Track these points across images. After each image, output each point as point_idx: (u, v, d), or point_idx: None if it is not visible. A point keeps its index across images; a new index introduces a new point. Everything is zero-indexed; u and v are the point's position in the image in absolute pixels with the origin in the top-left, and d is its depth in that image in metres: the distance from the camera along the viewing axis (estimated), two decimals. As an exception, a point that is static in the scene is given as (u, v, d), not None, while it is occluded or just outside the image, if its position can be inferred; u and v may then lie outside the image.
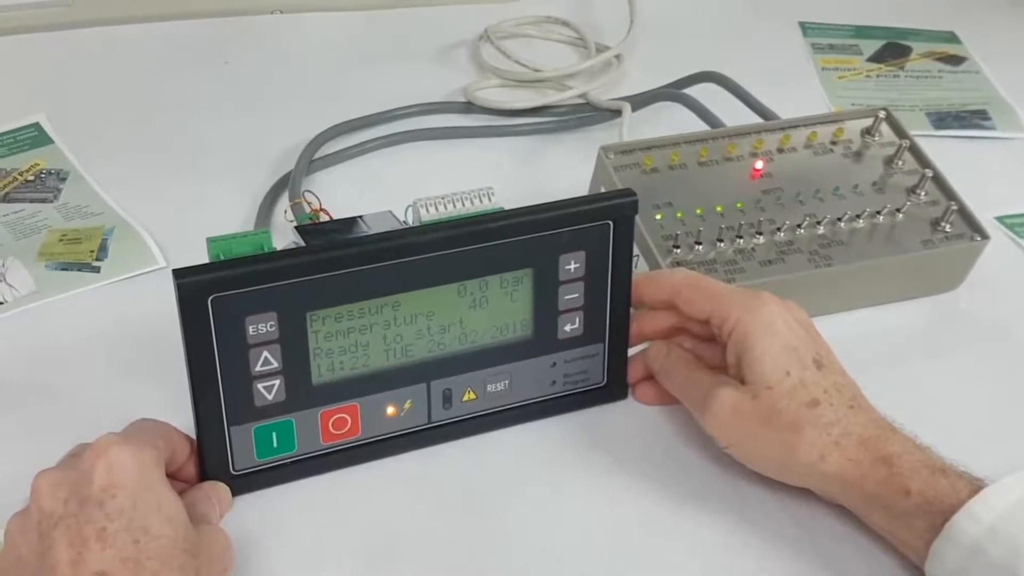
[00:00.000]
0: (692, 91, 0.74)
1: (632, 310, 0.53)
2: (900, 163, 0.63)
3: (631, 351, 0.54)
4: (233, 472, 0.48)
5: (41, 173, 0.69)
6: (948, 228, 0.60)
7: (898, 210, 0.60)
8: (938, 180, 0.62)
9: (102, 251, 0.62)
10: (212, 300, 0.44)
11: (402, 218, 0.51)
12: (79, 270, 0.61)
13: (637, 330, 0.53)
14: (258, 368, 0.46)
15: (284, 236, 0.53)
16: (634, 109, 0.74)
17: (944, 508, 0.43)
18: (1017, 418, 0.55)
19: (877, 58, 0.88)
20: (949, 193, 0.62)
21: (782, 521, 0.49)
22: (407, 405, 0.50)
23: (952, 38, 0.92)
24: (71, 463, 0.43)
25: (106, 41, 0.84)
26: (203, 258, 0.45)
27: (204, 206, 0.66)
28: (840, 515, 0.49)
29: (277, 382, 0.47)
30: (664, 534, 0.48)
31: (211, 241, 0.46)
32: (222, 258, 0.45)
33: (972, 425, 0.54)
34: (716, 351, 0.51)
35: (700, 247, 0.57)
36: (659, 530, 0.49)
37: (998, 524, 0.42)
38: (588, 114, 0.76)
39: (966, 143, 0.77)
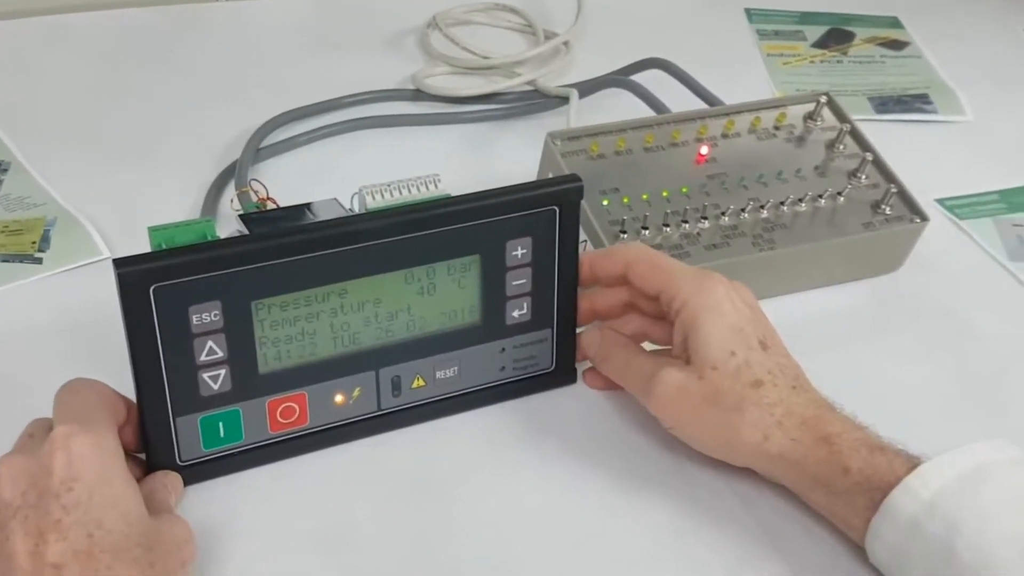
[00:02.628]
0: (639, 77, 0.75)
1: (582, 289, 0.53)
2: (841, 147, 0.64)
3: (580, 329, 0.54)
4: (180, 463, 0.47)
5: (-20, 164, 0.68)
6: (888, 211, 0.61)
7: (839, 193, 0.61)
8: (878, 163, 0.63)
9: (44, 242, 0.61)
10: (154, 289, 0.43)
11: (348, 206, 0.51)
12: (21, 261, 0.60)
13: (589, 307, 0.54)
14: (203, 358, 0.46)
15: (231, 226, 0.52)
16: (582, 96, 0.75)
17: (882, 485, 0.44)
18: (956, 397, 0.57)
19: (821, 44, 0.89)
20: (889, 176, 0.63)
21: (729, 501, 0.50)
22: (356, 393, 0.50)
23: (895, 23, 0.93)
24: (30, 448, 0.42)
25: (49, 30, 0.82)
26: (147, 249, 0.45)
27: (149, 196, 0.66)
28: (783, 494, 0.49)
29: (223, 372, 0.46)
30: (614, 517, 0.49)
31: (152, 230, 0.46)
32: (164, 247, 0.45)
33: (913, 404, 0.56)
34: (665, 329, 0.52)
35: (647, 232, 0.57)
36: (609, 513, 0.49)
37: (936, 500, 0.43)
38: (536, 101, 0.77)
39: (908, 127, 0.79)
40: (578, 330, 0.54)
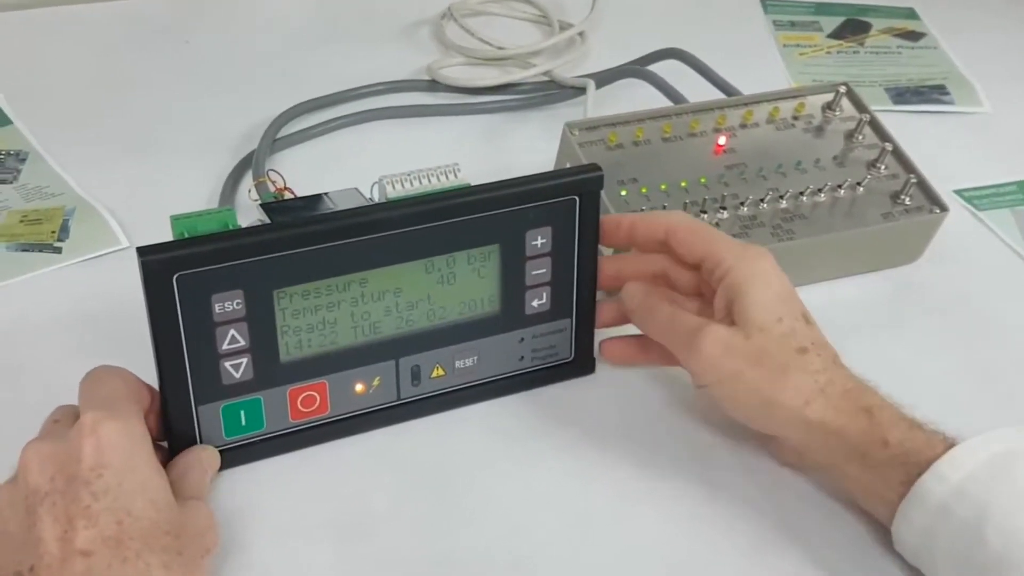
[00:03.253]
0: (656, 68, 0.75)
1: (608, 251, 0.52)
2: (860, 137, 0.64)
3: (601, 295, 0.53)
4: (210, 446, 0.47)
5: (0, 154, 0.68)
6: (908, 201, 0.61)
7: (859, 184, 0.61)
8: (897, 154, 0.63)
9: (63, 232, 0.61)
10: (177, 278, 0.44)
11: (368, 195, 0.51)
12: (40, 251, 0.60)
13: (615, 272, 0.52)
14: (225, 346, 0.46)
15: (248, 216, 0.52)
16: (598, 86, 0.74)
17: (920, 460, 0.44)
18: (975, 387, 0.57)
19: (837, 34, 0.89)
20: (908, 166, 0.63)
21: (747, 490, 0.50)
22: (376, 382, 0.50)
23: (911, 14, 0.93)
24: (58, 433, 0.43)
25: (66, 20, 0.82)
26: (166, 238, 0.45)
27: (166, 186, 0.66)
28: (800, 484, 0.50)
29: (244, 360, 0.46)
30: (634, 506, 0.49)
31: (175, 219, 0.46)
32: (186, 236, 0.45)
33: (931, 394, 0.55)
34: (695, 306, 0.51)
35: (665, 222, 0.57)
36: (628, 502, 0.49)
37: (965, 485, 0.42)
38: (552, 91, 0.76)
39: (925, 117, 0.79)
40: (601, 295, 0.53)
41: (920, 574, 0.45)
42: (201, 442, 0.47)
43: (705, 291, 0.51)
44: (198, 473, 0.45)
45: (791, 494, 0.49)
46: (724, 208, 0.59)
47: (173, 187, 0.66)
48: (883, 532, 0.46)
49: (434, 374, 0.51)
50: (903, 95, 0.80)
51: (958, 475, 0.43)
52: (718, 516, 0.49)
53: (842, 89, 0.65)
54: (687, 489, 0.50)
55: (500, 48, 0.80)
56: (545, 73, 0.77)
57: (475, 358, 0.52)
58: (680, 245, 0.51)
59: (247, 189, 0.64)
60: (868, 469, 0.46)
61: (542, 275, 0.51)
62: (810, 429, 0.47)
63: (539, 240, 0.50)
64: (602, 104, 0.72)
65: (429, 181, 0.50)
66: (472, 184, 0.50)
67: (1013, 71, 0.85)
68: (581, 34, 0.82)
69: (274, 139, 0.69)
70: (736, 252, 0.49)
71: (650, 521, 0.48)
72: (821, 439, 0.47)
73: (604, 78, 0.76)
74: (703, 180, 0.60)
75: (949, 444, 0.44)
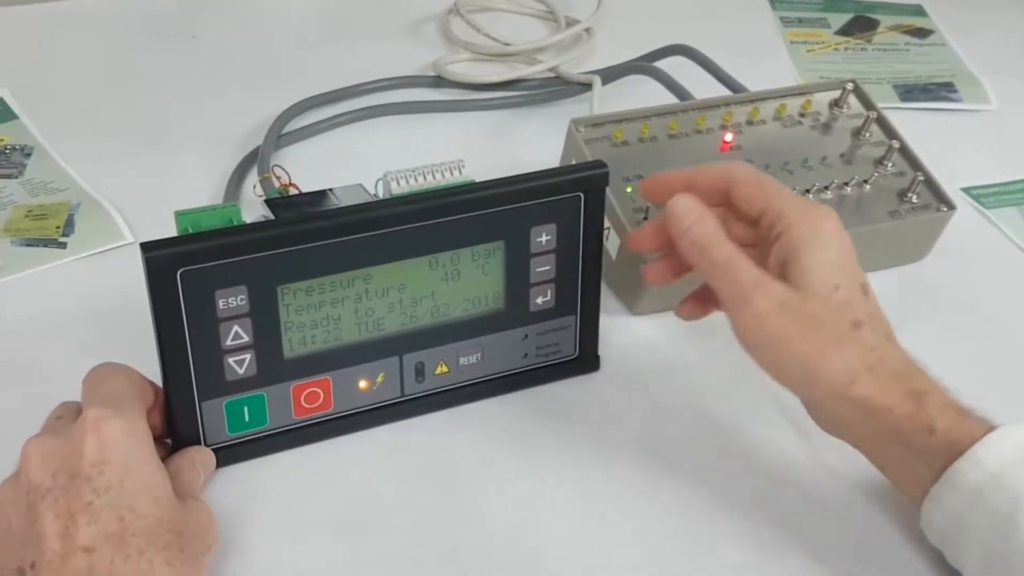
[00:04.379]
0: (662, 64, 0.74)
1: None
2: (867, 135, 0.63)
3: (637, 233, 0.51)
4: (205, 447, 0.47)
5: (5, 149, 0.68)
6: (915, 199, 0.61)
7: (865, 181, 0.61)
8: (905, 151, 0.63)
9: (68, 227, 0.61)
10: (181, 274, 0.43)
11: (372, 191, 0.51)
12: (45, 246, 0.60)
13: (656, 231, 0.49)
14: (229, 342, 0.46)
15: (253, 212, 0.52)
16: (604, 82, 0.74)
17: (963, 450, 0.42)
18: (983, 385, 0.56)
19: (845, 31, 0.89)
20: (916, 164, 0.62)
21: (754, 487, 0.50)
22: (379, 379, 0.50)
23: (919, 11, 0.92)
24: (60, 429, 0.42)
25: (72, 15, 0.82)
26: (171, 234, 0.45)
27: (171, 182, 0.66)
28: (808, 481, 0.50)
29: (248, 356, 0.46)
30: (638, 505, 0.49)
31: (179, 214, 0.46)
32: (191, 231, 0.45)
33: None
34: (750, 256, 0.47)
35: (671, 219, 0.57)
36: (632, 502, 0.49)
37: (1003, 471, 0.41)
38: (558, 88, 0.76)
39: (933, 115, 0.78)
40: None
41: (939, 558, 0.45)
42: (205, 438, 0.47)
43: (762, 248, 0.47)
44: (191, 474, 0.45)
45: (798, 493, 0.49)
46: (730, 205, 0.58)
47: (178, 182, 0.66)
48: (892, 531, 0.46)
49: (438, 371, 0.51)
50: (911, 92, 0.80)
51: (995, 462, 0.41)
52: (724, 514, 0.48)
53: (849, 86, 0.65)
54: (692, 487, 0.50)
55: (506, 44, 0.80)
56: (551, 69, 0.77)
57: (479, 355, 0.51)
58: (742, 198, 0.47)
59: (252, 185, 0.64)
60: (910, 454, 0.44)
61: (547, 272, 0.51)
62: (852, 404, 0.44)
63: (544, 237, 0.50)
64: (608, 100, 0.72)
65: (434, 177, 0.50)
66: (477, 180, 0.49)
67: (1021, 68, 0.85)
68: (587, 30, 0.82)
69: (279, 135, 0.69)
70: (799, 209, 0.46)
71: (655, 519, 0.48)
72: (860, 417, 0.44)
73: (610, 74, 0.76)
74: (709, 177, 0.60)
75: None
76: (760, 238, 0.48)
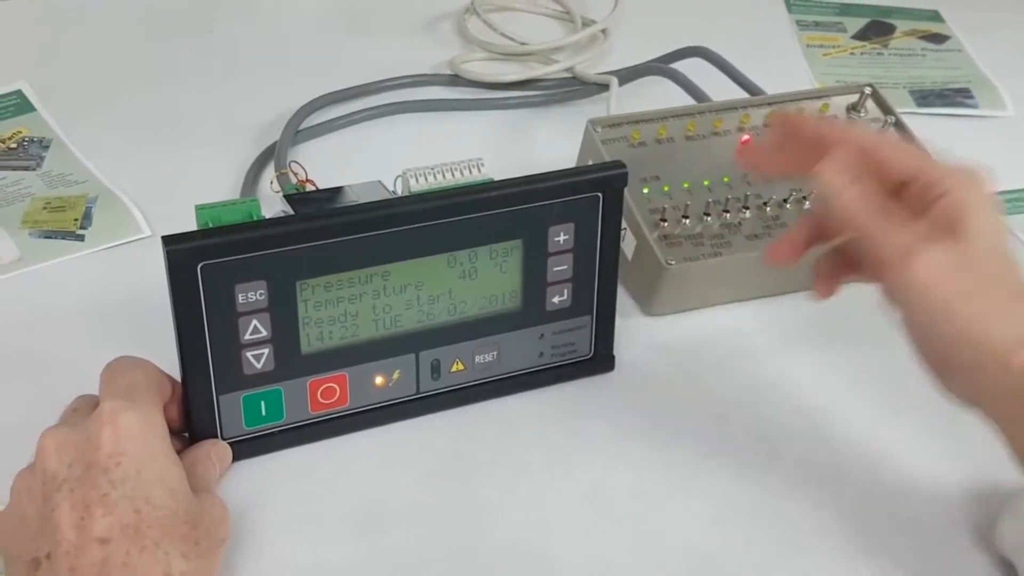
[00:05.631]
0: (679, 65, 0.74)
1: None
2: (885, 139, 0.63)
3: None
4: (222, 440, 0.48)
5: (24, 141, 0.68)
6: (931, 204, 0.60)
7: (882, 186, 0.61)
8: (922, 157, 0.63)
9: (86, 219, 0.61)
10: (202, 268, 0.44)
11: (391, 188, 0.51)
12: (63, 238, 0.60)
13: (794, 242, 0.47)
14: (247, 336, 0.46)
15: (270, 207, 0.53)
16: (621, 83, 0.74)
17: None
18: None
19: (861, 36, 0.89)
20: (933, 170, 0.62)
21: (773, 488, 0.50)
22: (396, 375, 0.50)
23: (935, 16, 0.92)
24: (76, 421, 0.43)
25: (90, 8, 0.83)
26: (188, 227, 0.45)
27: (189, 176, 0.66)
28: (828, 477, 0.50)
29: (266, 351, 0.47)
30: (653, 505, 0.49)
31: (200, 208, 0.46)
32: (211, 226, 0.45)
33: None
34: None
35: (687, 221, 0.57)
36: (647, 501, 0.49)
37: None
38: (574, 88, 0.76)
39: (949, 121, 0.78)
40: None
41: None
42: (222, 431, 0.47)
43: (901, 211, 0.44)
44: (206, 466, 0.45)
45: (817, 492, 0.49)
46: (747, 208, 0.58)
47: (195, 176, 0.66)
48: (903, 528, 0.46)
49: (454, 368, 0.51)
50: (927, 98, 0.80)
51: None
52: (739, 515, 0.48)
53: (867, 90, 0.65)
54: (708, 486, 0.50)
55: (522, 44, 0.80)
56: (567, 69, 0.77)
57: (495, 353, 0.52)
58: (888, 157, 0.44)
59: (269, 180, 0.65)
60: None
61: (564, 271, 0.51)
62: (1009, 374, 0.41)
63: (561, 236, 0.50)
64: (625, 101, 0.72)
65: (452, 175, 0.50)
66: (495, 179, 0.50)
67: (1038, 75, 0.84)
68: (604, 31, 0.82)
69: (296, 131, 0.69)
70: (960, 171, 0.43)
71: (670, 518, 0.48)
72: (1017, 388, 0.41)
73: (627, 75, 0.76)
74: (726, 179, 0.60)
75: None
76: (904, 205, 0.44)
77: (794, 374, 0.56)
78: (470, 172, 0.50)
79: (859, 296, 0.60)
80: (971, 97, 0.80)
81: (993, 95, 0.81)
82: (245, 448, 0.48)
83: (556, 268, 0.51)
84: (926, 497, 0.50)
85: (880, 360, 0.56)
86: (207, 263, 0.44)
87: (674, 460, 0.51)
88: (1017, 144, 0.76)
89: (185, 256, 0.43)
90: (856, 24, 0.90)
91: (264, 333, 0.46)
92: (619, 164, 0.50)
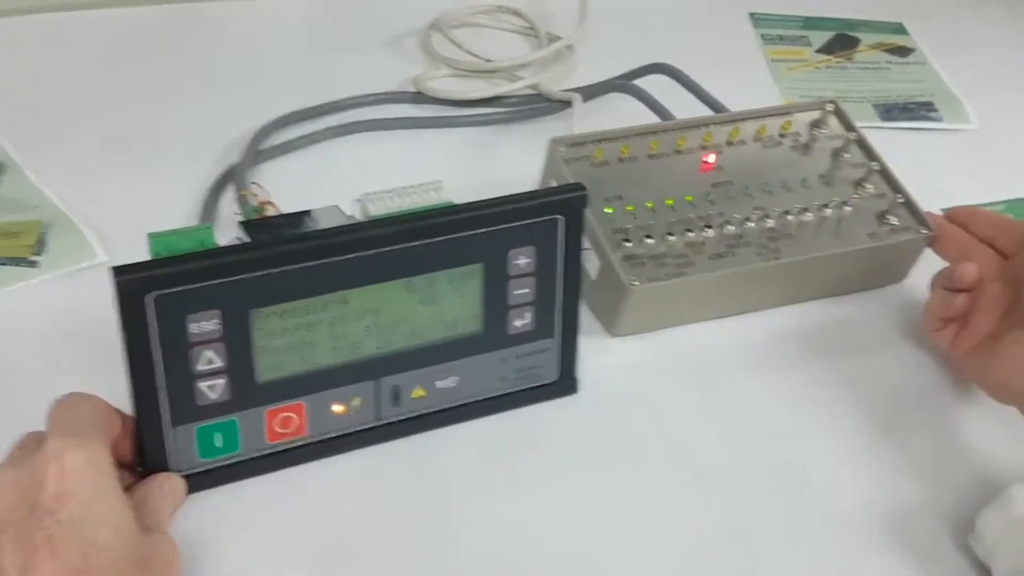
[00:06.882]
0: (643, 82, 0.74)
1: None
2: (847, 156, 0.63)
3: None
4: (175, 474, 0.47)
5: (-24, 165, 0.67)
6: (894, 221, 0.61)
7: (845, 203, 0.61)
8: (885, 173, 0.63)
9: (40, 245, 0.60)
10: (152, 298, 0.43)
11: (349, 212, 0.51)
12: (16, 265, 0.59)
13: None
14: (200, 367, 0.45)
15: (231, 228, 0.52)
16: (585, 100, 0.74)
17: None
18: (971, 405, 0.56)
19: (826, 49, 0.89)
20: (895, 186, 0.62)
21: (740, 509, 0.49)
22: (355, 403, 0.49)
23: (900, 29, 0.93)
24: (21, 459, 0.41)
25: (46, 28, 0.81)
26: (147, 251, 0.44)
27: (147, 199, 0.65)
28: (787, 506, 0.49)
29: (221, 381, 0.46)
30: (618, 529, 0.48)
31: (152, 237, 0.45)
32: (163, 255, 0.44)
33: (919, 413, 0.55)
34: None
35: (651, 240, 0.57)
36: (613, 525, 0.49)
37: None
38: (539, 105, 0.76)
39: (913, 135, 0.78)
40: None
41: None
42: (175, 464, 0.46)
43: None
44: (157, 502, 0.44)
45: (786, 512, 0.49)
46: (710, 227, 0.58)
47: (154, 199, 0.65)
48: (873, 544, 0.46)
49: (415, 394, 0.50)
50: (891, 112, 0.80)
51: None
52: (709, 539, 0.48)
53: (829, 107, 0.65)
54: (675, 509, 0.49)
55: (487, 60, 0.79)
56: (532, 86, 0.76)
57: (456, 378, 0.51)
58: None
59: (230, 201, 0.64)
60: None
61: (525, 295, 0.51)
62: None
63: (522, 260, 0.50)
64: (589, 118, 0.72)
65: (411, 199, 0.49)
66: (455, 201, 0.49)
67: (1000, 87, 0.85)
68: (569, 47, 0.81)
69: (257, 150, 0.68)
70: None
71: (636, 542, 0.48)
72: None
73: (591, 92, 0.75)
74: (689, 198, 0.59)
75: None
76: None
77: (760, 393, 0.56)
78: (429, 195, 0.49)
79: (824, 314, 0.61)
80: (935, 111, 0.81)
81: (957, 109, 0.81)
82: (200, 481, 0.47)
83: (517, 291, 0.50)
84: (898, 511, 0.50)
85: (847, 377, 0.57)
86: (158, 293, 0.43)
87: (640, 483, 0.50)
88: (981, 158, 0.76)
89: (135, 287, 0.42)
90: (821, 38, 0.90)
91: (218, 363, 0.45)
92: (579, 187, 0.50)
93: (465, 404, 0.52)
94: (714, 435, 0.53)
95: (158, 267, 0.43)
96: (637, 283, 0.55)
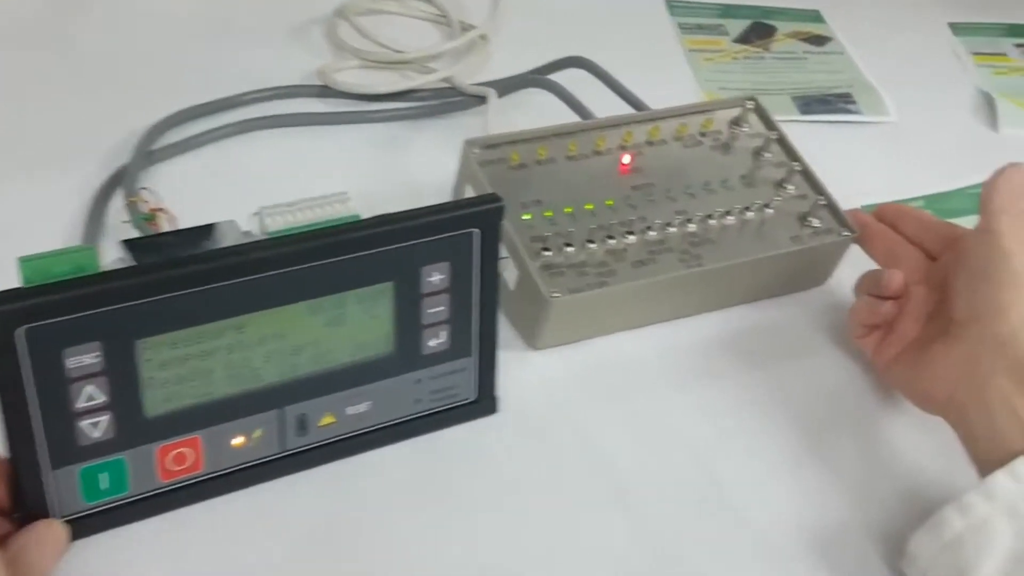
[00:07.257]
0: (559, 76, 0.71)
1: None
2: (768, 155, 0.62)
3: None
4: (58, 519, 0.42)
5: None
6: (816, 223, 0.59)
7: (766, 205, 0.59)
8: (806, 174, 0.61)
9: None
10: (23, 331, 0.39)
11: (246, 227, 0.47)
12: None
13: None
14: (81, 404, 0.41)
15: (118, 238, 0.47)
16: (500, 95, 0.71)
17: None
18: (888, 409, 0.55)
19: (743, 39, 0.87)
20: (816, 187, 0.61)
21: (665, 531, 0.48)
22: (256, 434, 0.46)
23: (816, 17, 0.92)
24: None
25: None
26: (16, 278, 0.40)
27: (26, 207, 0.59)
28: (718, 523, 0.47)
29: (104, 418, 0.42)
30: (543, 553, 0.46)
31: (24, 261, 0.41)
32: (36, 281, 0.40)
33: (842, 417, 0.54)
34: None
35: (571, 249, 0.54)
36: (538, 549, 0.46)
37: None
38: (453, 99, 0.72)
39: (833, 128, 0.77)
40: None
41: None
42: (58, 509, 0.42)
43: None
44: (36, 555, 0.40)
45: (717, 529, 0.48)
46: (631, 233, 0.56)
47: (34, 207, 0.59)
48: (805, 558, 0.45)
49: (323, 422, 0.47)
50: (810, 105, 0.79)
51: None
52: (636, 557, 0.46)
53: (749, 104, 0.63)
54: (597, 533, 0.47)
55: (397, 51, 0.75)
56: (445, 79, 0.73)
57: (369, 403, 0.48)
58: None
59: (119, 209, 0.59)
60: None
61: (440, 313, 0.48)
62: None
63: (436, 276, 0.47)
64: (504, 114, 0.69)
65: (315, 212, 0.45)
66: (363, 214, 0.46)
67: (919, 77, 0.85)
68: (483, 36, 0.78)
69: (149, 151, 0.64)
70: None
71: (560, 568, 0.46)
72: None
73: (506, 86, 0.72)
74: (610, 202, 0.57)
75: None
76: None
77: (685, 404, 0.54)
78: (333, 207, 0.46)
79: (747, 320, 0.59)
80: (853, 103, 0.80)
81: (876, 100, 0.80)
82: (86, 525, 0.43)
83: (431, 310, 0.47)
84: (827, 527, 0.49)
85: (773, 385, 0.55)
86: (31, 326, 0.39)
87: (563, 506, 0.48)
88: (900, 152, 0.76)
89: (3, 319, 0.38)
90: (738, 27, 0.89)
91: (101, 399, 0.41)
92: (495, 198, 0.47)
93: (378, 429, 0.49)
94: (639, 452, 0.51)
95: (30, 296, 0.39)
96: (558, 295, 0.52)
